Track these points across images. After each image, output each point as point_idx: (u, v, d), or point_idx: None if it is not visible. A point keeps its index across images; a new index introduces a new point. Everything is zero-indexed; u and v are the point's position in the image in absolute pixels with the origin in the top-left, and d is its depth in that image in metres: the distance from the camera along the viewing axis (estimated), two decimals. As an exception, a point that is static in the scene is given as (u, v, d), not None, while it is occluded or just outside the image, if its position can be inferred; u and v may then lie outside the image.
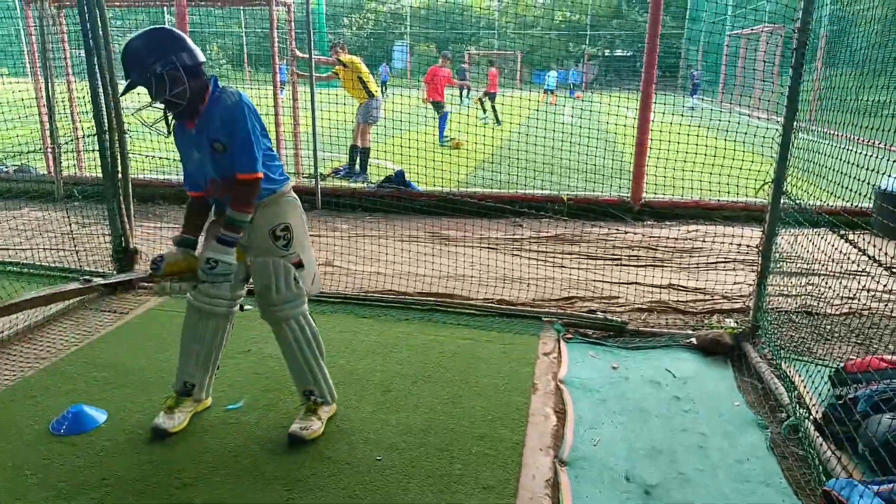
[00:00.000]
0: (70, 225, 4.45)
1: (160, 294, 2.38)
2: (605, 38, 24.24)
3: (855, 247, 2.64)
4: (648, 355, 3.38)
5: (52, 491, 2.20)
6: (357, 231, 5.80)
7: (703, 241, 5.46)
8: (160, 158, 5.51)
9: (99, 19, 3.55)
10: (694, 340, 3.49)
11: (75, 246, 4.24)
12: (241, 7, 10.02)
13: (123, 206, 3.91)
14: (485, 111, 14.36)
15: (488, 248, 5.33)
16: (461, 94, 18.47)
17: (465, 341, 3.41)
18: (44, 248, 4.83)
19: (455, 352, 3.29)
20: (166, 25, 2.32)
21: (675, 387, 3.05)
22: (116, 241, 3.98)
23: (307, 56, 6.34)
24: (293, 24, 6.84)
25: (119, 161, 3.81)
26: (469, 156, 6.25)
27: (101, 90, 3.64)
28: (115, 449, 2.45)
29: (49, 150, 6.69)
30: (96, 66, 3.59)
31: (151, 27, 2.27)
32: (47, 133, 6.62)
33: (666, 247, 5.39)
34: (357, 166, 7.96)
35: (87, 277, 3.86)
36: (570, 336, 3.58)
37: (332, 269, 4.69)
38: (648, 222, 6.26)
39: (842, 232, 2.81)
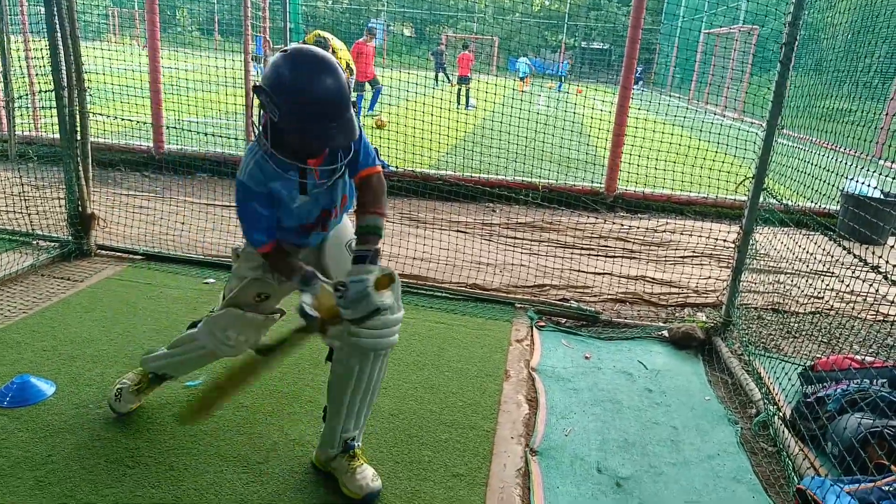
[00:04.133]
0: (22, 186, 4.19)
1: (332, 344, 1.94)
2: (583, 30, 24.25)
3: (847, 251, 2.63)
4: (621, 346, 3.35)
5: (-9, 467, 2.05)
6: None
7: (674, 234, 5.48)
8: (123, 121, 5.24)
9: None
10: (666, 333, 3.47)
11: (27, 209, 4.00)
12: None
13: (81, 169, 3.69)
14: (459, 101, 14.12)
15: (459, 231, 5.24)
16: (436, 76, 18.26)
17: (437, 324, 3.33)
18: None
19: (426, 335, 3.20)
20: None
21: (648, 379, 3.03)
22: (72, 206, 3.76)
23: (281, 47, 6.12)
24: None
25: (78, 120, 3.59)
26: (441, 139, 6.16)
27: (60, 43, 3.40)
28: (63, 424, 2.30)
29: (1, 106, 6.32)
30: (55, 18, 3.35)
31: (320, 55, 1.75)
32: (0, 89, 6.25)
33: (637, 239, 5.40)
34: None
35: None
36: (542, 324, 3.53)
37: (301, 246, 4.54)
38: (621, 213, 6.27)
39: (830, 234, 2.81)
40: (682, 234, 5.39)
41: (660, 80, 22.32)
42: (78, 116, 3.58)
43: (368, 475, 2.07)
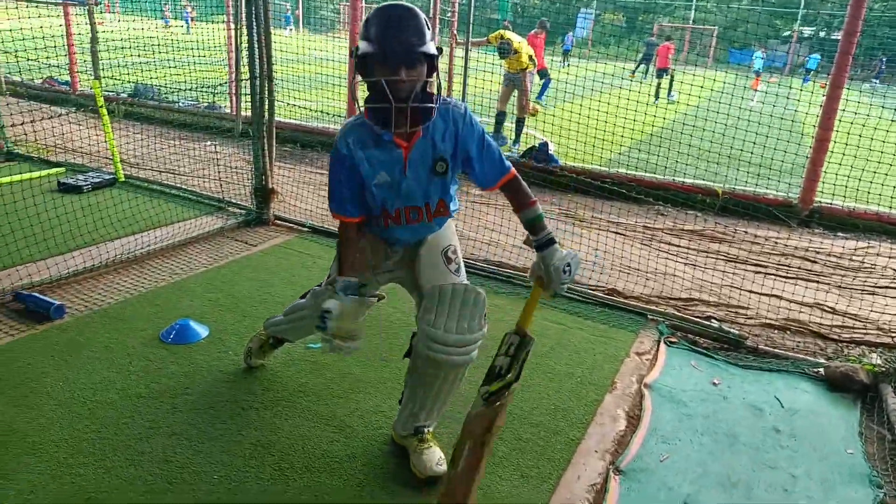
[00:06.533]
0: (217, 160, 4.92)
1: (329, 351, 1.96)
2: (823, 18, 21.26)
3: None
4: (760, 378, 3.01)
5: (143, 388, 2.50)
6: (486, 199, 5.77)
7: (876, 260, 4.69)
8: (304, 108, 5.90)
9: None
10: (821, 371, 3.04)
11: (220, 179, 4.70)
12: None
13: (266, 147, 4.24)
14: (657, 96, 13.38)
15: (618, 233, 5.04)
16: (645, 69, 17.44)
17: (554, 325, 3.28)
18: (203, 178, 5.41)
19: (541, 334, 3.17)
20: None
21: (780, 417, 2.69)
22: (257, 179, 4.34)
23: (464, 42, 6.33)
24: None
25: (266, 106, 4.12)
26: (623, 135, 5.93)
27: (255, 38, 3.92)
28: (205, 363, 2.71)
29: (233, 91, 7.42)
30: (254, 16, 3.87)
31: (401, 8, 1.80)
32: (233, 75, 7.33)
33: (829, 261, 4.73)
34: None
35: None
36: (674, 340, 3.29)
37: (451, 233, 4.72)
38: (817, 230, 5.52)
39: None
40: (886, 260, 4.61)
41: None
42: (266, 102, 4.10)
43: (434, 458, 2.14)
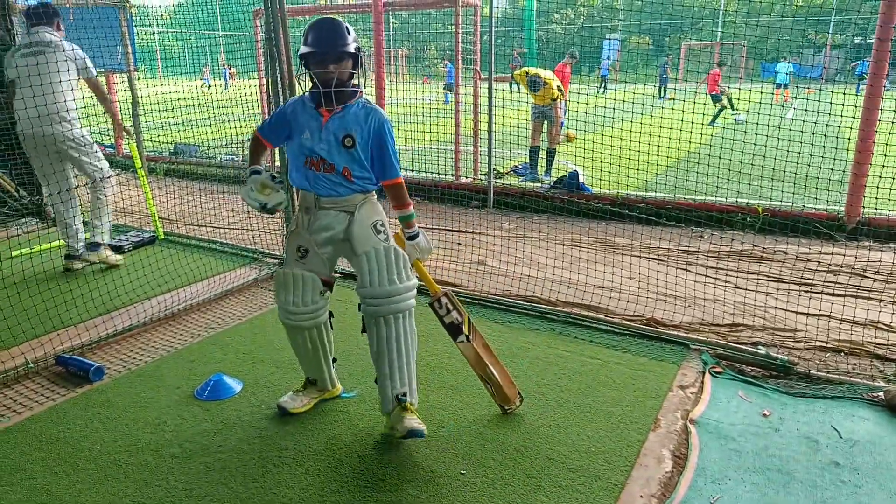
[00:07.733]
0: (249, 211, 5.00)
1: (258, 209, 2.60)
2: (857, 24, 20.72)
3: None
4: (814, 406, 2.83)
5: (177, 448, 2.50)
6: (520, 232, 5.72)
7: (935, 272, 4.44)
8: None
9: (281, 29, 3.93)
10: (881, 395, 2.85)
11: (251, 229, 4.79)
12: (432, 10, 10.36)
13: (294, 194, 4.30)
14: (714, 120, 13.30)
15: (652, 258, 4.91)
16: (660, 89, 17.32)
17: (592, 360, 3.18)
18: (238, 230, 5.52)
19: (577, 371, 3.08)
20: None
21: (839, 450, 2.52)
22: (288, 226, 4.40)
23: (486, 77, 6.40)
24: (479, 26, 6.91)
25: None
26: (657, 159, 5.82)
27: (280, 90, 4.02)
28: (238, 419, 2.71)
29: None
30: (277, 71, 3.98)
31: (326, 21, 2.44)
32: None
33: (881, 275, 4.49)
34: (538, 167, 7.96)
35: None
36: (719, 370, 3.14)
37: (483, 269, 4.69)
38: (865, 243, 5.27)
39: None
40: (946, 271, 4.36)
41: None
42: (293, 153, 4.18)
43: (414, 421, 2.39)
